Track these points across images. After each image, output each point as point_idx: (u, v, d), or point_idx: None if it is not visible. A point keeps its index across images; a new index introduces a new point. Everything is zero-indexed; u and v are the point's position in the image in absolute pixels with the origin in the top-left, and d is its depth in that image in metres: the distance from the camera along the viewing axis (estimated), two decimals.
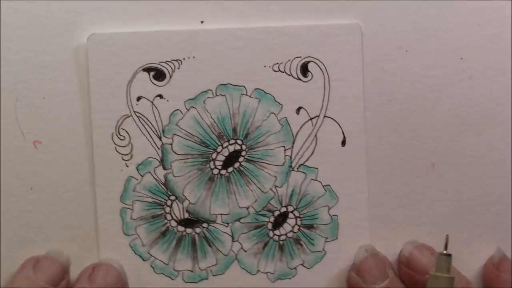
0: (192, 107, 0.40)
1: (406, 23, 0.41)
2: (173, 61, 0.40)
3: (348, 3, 0.40)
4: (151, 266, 0.40)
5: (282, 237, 0.41)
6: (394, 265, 0.40)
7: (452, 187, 0.41)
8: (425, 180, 0.41)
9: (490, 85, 0.41)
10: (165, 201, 0.40)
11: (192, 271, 0.40)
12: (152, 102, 0.40)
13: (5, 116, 0.39)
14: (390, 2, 0.41)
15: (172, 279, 0.40)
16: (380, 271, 0.38)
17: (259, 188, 0.40)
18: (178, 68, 0.40)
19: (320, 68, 0.40)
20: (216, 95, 0.40)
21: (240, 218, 0.40)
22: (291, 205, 0.41)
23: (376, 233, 0.41)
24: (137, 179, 0.40)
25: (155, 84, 0.40)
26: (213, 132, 0.40)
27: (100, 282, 0.37)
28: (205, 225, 0.40)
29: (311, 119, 0.40)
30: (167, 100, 0.40)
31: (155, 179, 0.40)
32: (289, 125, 0.40)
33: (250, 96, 0.40)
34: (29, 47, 0.39)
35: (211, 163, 0.40)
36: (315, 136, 0.40)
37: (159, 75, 0.40)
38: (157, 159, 0.40)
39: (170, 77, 0.40)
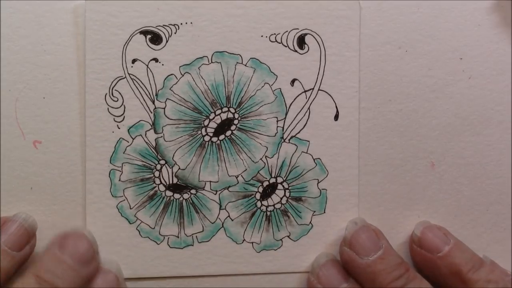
0: (187, 72, 0.40)
1: (406, 23, 0.41)
2: (170, 26, 0.39)
3: None
4: (137, 229, 0.40)
5: (270, 208, 0.41)
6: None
7: (452, 187, 0.41)
8: (425, 180, 0.41)
9: (489, 85, 0.42)
10: (154, 165, 0.40)
11: (177, 237, 0.40)
12: (147, 65, 0.39)
13: (5, 116, 0.39)
14: (390, 2, 0.41)
15: (158, 244, 0.40)
16: (372, 242, 0.38)
17: (250, 158, 0.40)
18: (175, 33, 0.39)
19: (317, 41, 0.40)
20: (212, 62, 0.40)
21: (229, 187, 0.40)
22: (281, 177, 0.40)
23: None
24: (128, 141, 0.40)
25: (151, 48, 0.39)
26: (206, 99, 0.40)
27: (71, 250, 0.37)
28: (193, 191, 0.40)
29: (305, 91, 0.40)
30: (162, 64, 0.40)
31: (146, 142, 0.40)
32: (283, 96, 0.40)
33: (245, 65, 0.40)
34: (29, 47, 0.39)
35: (203, 129, 0.40)
36: (309, 109, 0.40)
37: (155, 38, 0.39)
38: (149, 123, 0.40)
39: (167, 41, 0.39)
